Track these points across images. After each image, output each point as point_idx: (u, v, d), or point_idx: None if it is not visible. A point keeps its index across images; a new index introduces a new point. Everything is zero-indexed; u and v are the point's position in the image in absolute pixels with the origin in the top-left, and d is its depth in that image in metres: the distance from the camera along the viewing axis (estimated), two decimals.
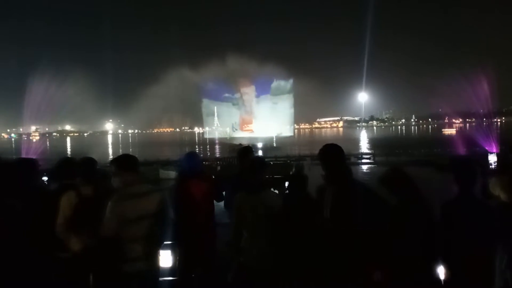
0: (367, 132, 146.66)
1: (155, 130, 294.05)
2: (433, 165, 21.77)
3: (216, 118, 56.35)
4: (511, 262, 2.84)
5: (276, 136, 52.80)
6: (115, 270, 2.97)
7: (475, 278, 2.85)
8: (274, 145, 49.47)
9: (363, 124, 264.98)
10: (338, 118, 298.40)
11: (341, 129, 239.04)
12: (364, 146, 60.73)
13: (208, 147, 60.49)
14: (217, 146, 55.73)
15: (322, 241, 3.06)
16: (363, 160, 31.51)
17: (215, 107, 56.12)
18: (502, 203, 3.21)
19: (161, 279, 3.53)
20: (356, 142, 70.05)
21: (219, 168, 24.02)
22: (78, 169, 3.65)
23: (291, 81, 53.49)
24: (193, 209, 3.84)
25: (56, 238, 3.23)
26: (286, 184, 3.64)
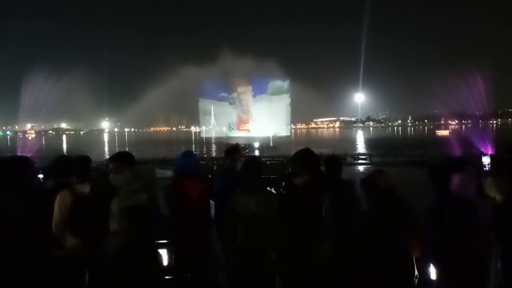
0: (363, 132, 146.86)
1: (152, 129, 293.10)
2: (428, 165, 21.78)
3: (212, 117, 56.19)
4: (504, 259, 2.87)
5: (272, 136, 52.80)
6: (111, 267, 2.96)
7: (464, 274, 2.87)
8: (271, 144, 49.47)
9: (360, 124, 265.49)
10: (335, 118, 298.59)
11: (337, 129, 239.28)
12: (361, 146, 60.88)
13: (204, 146, 60.36)
14: (213, 146, 55.69)
15: (321, 245, 3.06)
16: (360, 161, 31.56)
17: (212, 106, 56.01)
18: (498, 204, 3.23)
19: (157, 277, 3.51)
20: (352, 142, 70.13)
21: (215, 167, 23.97)
22: (73, 167, 3.64)
23: (287, 81, 53.55)
24: (189, 208, 3.83)
25: (51, 237, 3.23)
26: (283, 183, 3.65)
